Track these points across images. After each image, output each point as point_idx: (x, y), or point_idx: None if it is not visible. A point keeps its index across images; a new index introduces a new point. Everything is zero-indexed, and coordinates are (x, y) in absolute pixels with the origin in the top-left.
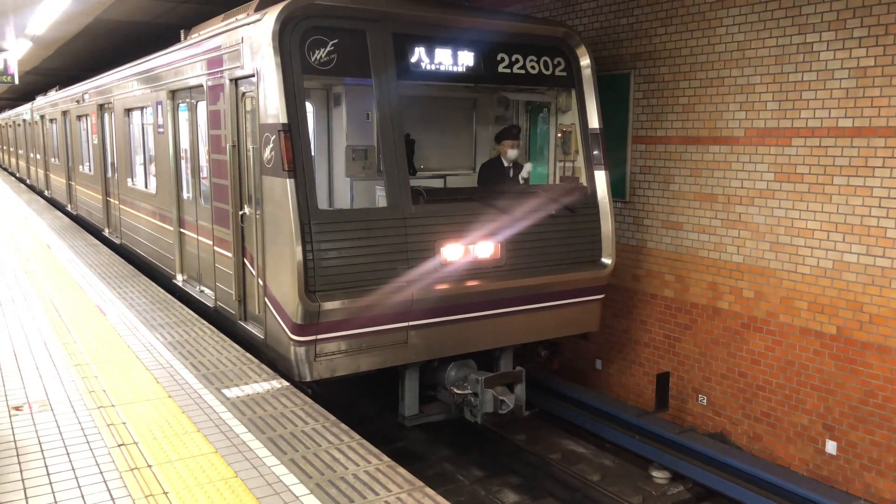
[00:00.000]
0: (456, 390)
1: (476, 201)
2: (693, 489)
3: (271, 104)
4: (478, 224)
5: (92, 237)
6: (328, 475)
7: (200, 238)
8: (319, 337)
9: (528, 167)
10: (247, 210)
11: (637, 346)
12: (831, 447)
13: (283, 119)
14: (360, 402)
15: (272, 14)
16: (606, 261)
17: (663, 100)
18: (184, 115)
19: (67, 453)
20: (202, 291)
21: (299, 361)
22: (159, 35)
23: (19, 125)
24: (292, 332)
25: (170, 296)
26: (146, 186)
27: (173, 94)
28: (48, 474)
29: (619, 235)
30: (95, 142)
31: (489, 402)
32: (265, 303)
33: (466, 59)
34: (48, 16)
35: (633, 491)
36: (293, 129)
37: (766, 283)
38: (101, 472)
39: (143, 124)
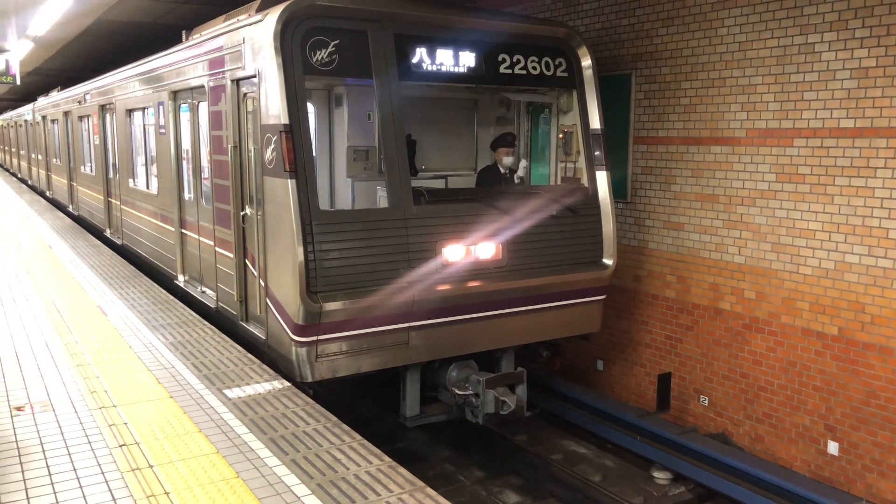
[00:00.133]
0: (457, 391)
1: (477, 202)
2: (694, 490)
3: (273, 105)
4: (479, 225)
5: (93, 238)
6: (329, 476)
7: (202, 239)
8: (321, 338)
9: (522, 163)
10: (248, 211)
11: (638, 346)
12: (833, 448)
13: (285, 120)
14: (362, 402)
15: (274, 15)
16: (608, 261)
17: (664, 100)
18: (185, 116)
19: (69, 454)
20: (203, 292)
21: (300, 362)
22: (160, 36)
23: (21, 126)
24: (293, 333)
25: (171, 296)
26: (148, 187)
27: (175, 94)
28: (50, 475)
29: (621, 236)
30: (97, 142)
31: (490, 402)
32: (266, 303)
33: (468, 59)
34: (50, 17)
35: (634, 492)
36: (294, 130)
37: (768, 284)
38: (102, 473)
39: (144, 125)
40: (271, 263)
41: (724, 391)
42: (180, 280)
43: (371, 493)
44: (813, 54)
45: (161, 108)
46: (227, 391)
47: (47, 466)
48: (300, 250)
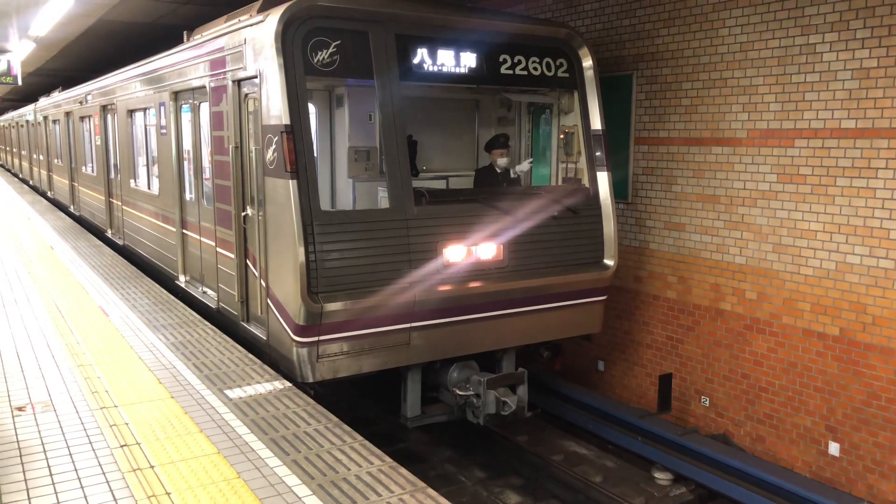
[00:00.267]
0: (458, 391)
1: (478, 203)
2: (695, 490)
3: (274, 105)
4: (480, 225)
5: (95, 238)
6: (330, 476)
7: (203, 239)
8: (322, 338)
9: (527, 162)
10: (249, 211)
11: (639, 347)
12: (834, 449)
13: (286, 120)
14: (363, 403)
15: (275, 15)
16: (609, 262)
17: (666, 101)
18: (186, 117)
19: (70, 454)
20: (205, 292)
21: (301, 362)
22: (161, 36)
23: (22, 126)
24: (295, 334)
25: (172, 297)
26: (149, 187)
27: (176, 95)
28: (51, 475)
29: (622, 237)
30: (98, 143)
31: (491, 403)
32: (267, 304)
33: (469, 60)
34: (51, 17)
35: (635, 492)
36: (296, 131)
37: (769, 285)
38: (103, 473)
39: (145, 125)
40: (272, 264)
41: (725, 392)
42: (181, 280)
43: (372, 493)
44: (814, 55)
45: (162, 108)
46: (228, 391)
47: (48, 466)
48: (301, 251)
